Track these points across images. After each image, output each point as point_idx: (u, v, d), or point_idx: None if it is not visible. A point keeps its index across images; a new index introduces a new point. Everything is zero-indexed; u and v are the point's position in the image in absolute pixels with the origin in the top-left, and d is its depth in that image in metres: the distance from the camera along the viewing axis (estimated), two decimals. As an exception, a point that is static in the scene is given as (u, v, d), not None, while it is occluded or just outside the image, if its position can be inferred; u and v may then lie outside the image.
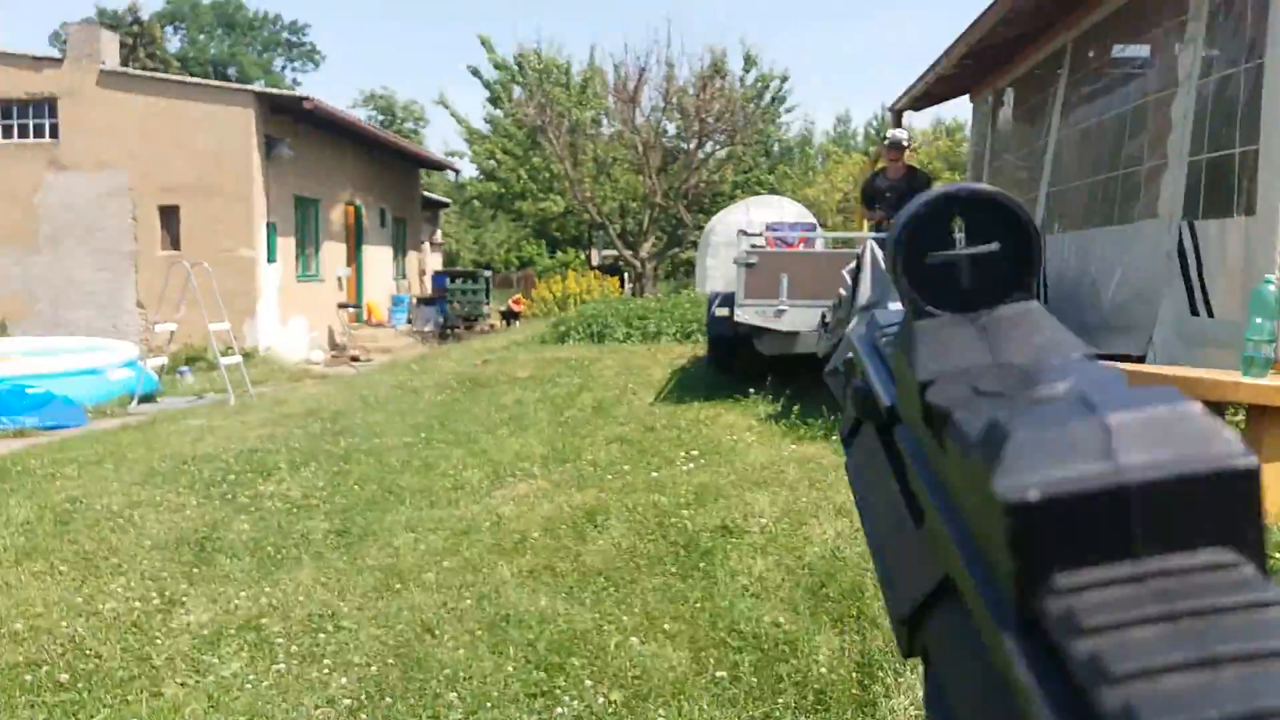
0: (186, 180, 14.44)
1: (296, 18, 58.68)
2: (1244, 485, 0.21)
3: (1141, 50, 6.53)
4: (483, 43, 20.39)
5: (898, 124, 11.26)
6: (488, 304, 21.54)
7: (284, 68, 53.19)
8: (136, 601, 3.86)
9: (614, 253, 22.59)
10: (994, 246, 0.30)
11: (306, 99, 14.59)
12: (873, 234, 7.06)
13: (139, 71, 16.38)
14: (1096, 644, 0.19)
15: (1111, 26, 6.97)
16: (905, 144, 8.22)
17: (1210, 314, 5.16)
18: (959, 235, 0.30)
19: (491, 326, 19.98)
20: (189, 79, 16.69)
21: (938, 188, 0.31)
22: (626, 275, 21.57)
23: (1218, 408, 4.13)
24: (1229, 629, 0.19)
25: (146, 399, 10.18)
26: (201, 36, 50.24)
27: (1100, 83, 7.18)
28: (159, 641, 3.47)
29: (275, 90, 16.00)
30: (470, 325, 20.11)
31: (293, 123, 15.30)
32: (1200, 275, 5.24)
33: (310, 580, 4.09)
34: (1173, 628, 0.19)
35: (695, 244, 19.07)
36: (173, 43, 47.76)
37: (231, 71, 45.79)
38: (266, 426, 7.78)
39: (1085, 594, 0.20)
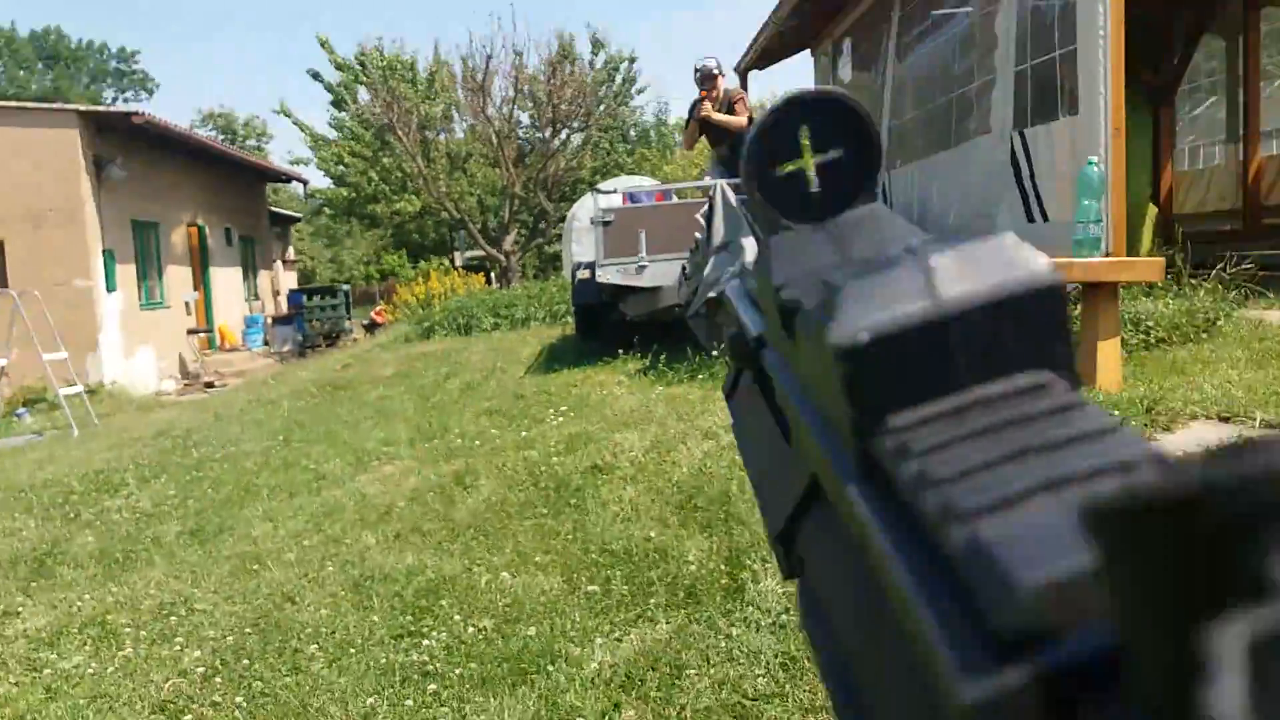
0: (10, 210, 13.49)
1: (124, 44, 55.94)
2: (1050, 301, 0.21)
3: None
4: (321, 44, 19.74)
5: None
6: (349, 319, 20.95)
7: (115, 98, 50.66)
8: (-36, 619, 3.54)
9: (478, 253, 22.27)
10: (838, 153, 0.30)
11: (135, 114, 13.81)
12: (724, 177, 7.06)
13: (-60, 100, 15.24)
14: (925, 463, 0.19)
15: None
16: (715, 71, 7.48)
17: (1045, 218, 5.36)
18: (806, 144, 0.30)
19: (355, 341, 19.43)
20: (3, 102, 15.66)
21: (783, 95, 0.30)
22: (493, 272, 21.29)
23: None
24: (1044, 426, 0.19)
25: (-20, 442, 9.48)
26: (22, 72, 47.44)
27: (929, 15, 7.38)
28: (-11, 650, 3.18)
29: (100, 108, 15.13)
30: (332, 342, 19.50)
31: (124, 142, 14.49)
32: (1034, 181, 5.43)
33: (161, 576, 3.85)
34: (996, 435, 0.19)
35: (560, 235, 18.97)
36: (-12, 80, 45.04)
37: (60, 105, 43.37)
38: (113, 450, 7.34)
39: (916, 429, 0.20)
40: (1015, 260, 0.22)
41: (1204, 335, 4.72)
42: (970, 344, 0.21)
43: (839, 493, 0.22)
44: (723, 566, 2.74)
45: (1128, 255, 5.77)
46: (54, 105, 14.92)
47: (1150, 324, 4.72)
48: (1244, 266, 5.10)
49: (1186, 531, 0.13)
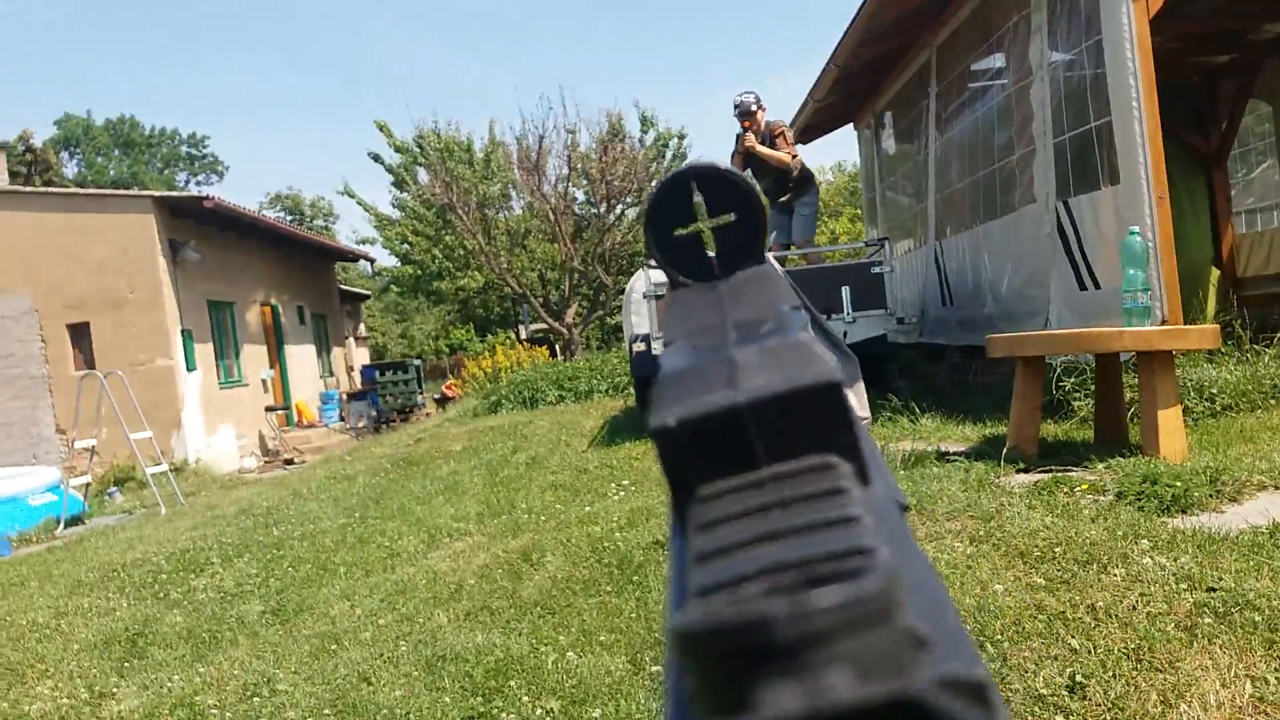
0: (93, 294, 14.19)
1: (195, 130, 58.44)
2: (832, 396, 0.25)
3: (997, 55, 6.87)
4: (380, 128, 20.50)
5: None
6: (421, 393, 21.37)
7: (187, 181, 52.94)
8: (65, 699, 3.74)
9: (542, 326, 22.64)
10: (729, 218, 0.32)
11: (206, 198, 14.47)
12: (779, 225, 7.10)
13: (28, 188, 16.10)
14: (703, 539, 0.23)
15: (967, 32, 7.33)
16: (754, 106, 7.47)
17: (1097, 285, 5.38)
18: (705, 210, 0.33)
19: (427, 414, 19.81)
20: (82, 190, 16.48)
21: (672, 170, 0.33)
22: (556, 345, 21.62)
23: (1112, 360, 4.30)
24: (799, 510, 0.23)
25: (74, 522, 9.89)
26: (99, 159, 49.83)
27: (966, 87, 7.52)
28: (88, 731, 3.36)
29: (173, 193, 15.85)
30: (406, 416, 19.91)
31: (196, 225, 15.16)
32: (1082, 250, 5.48)
33: (245, 655, 4.01)
34: (761, 517, 0.23)
35: (620, 307, 19.25)
36: (69, 168, 47.27)
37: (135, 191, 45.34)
38: (199, 529, 7.61)
39: (715, 500, 0.24)
40: (805, 360, 0.25)
41: (1272, 402, 4.68)
42: (765, 430, 0.24)
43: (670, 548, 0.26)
44: (783, 646, 2.80)
45: (1193, 319, 5.76)
46: (130, 192, 15.66)
47: (1214, 391, 4.69)
48: (1308, 330, 5.06)
49: (699, 656, 0.19)
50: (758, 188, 0.34)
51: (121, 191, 16.06)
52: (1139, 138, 4.89)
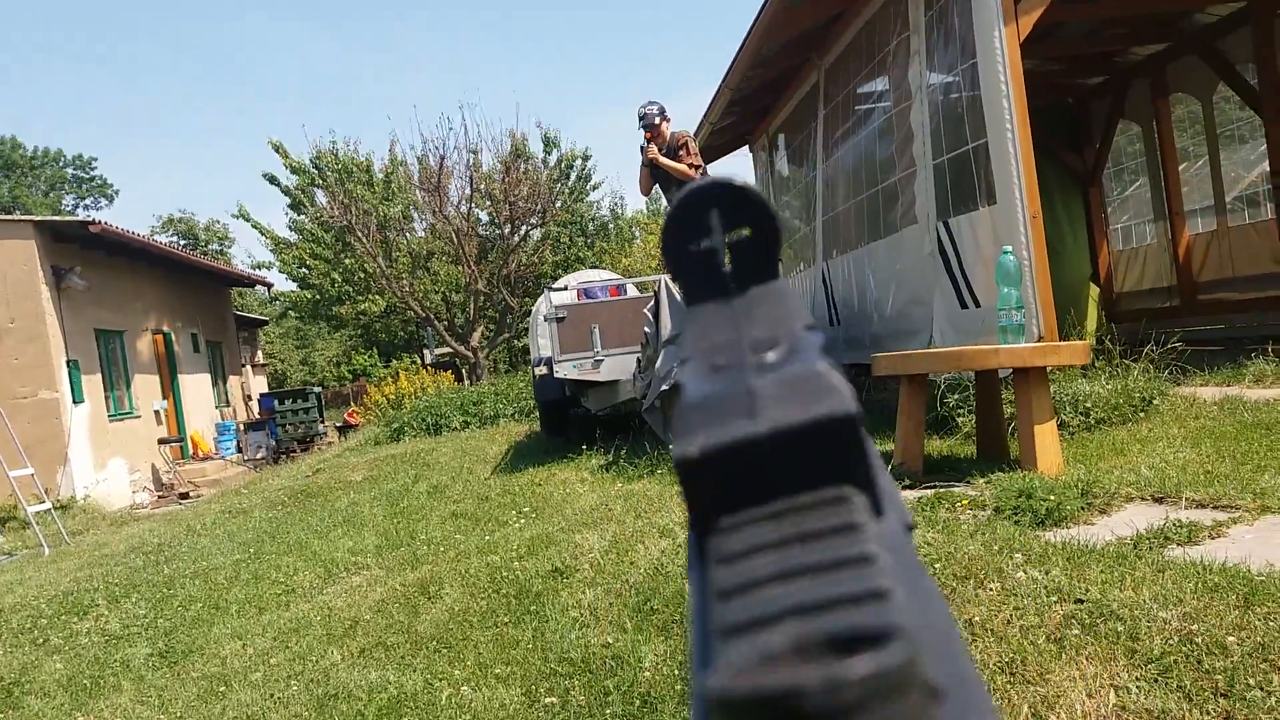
0: (-30, 325, 13.55)
1: (82, 151, 56.20)
2: (850, 428, 0.25)
3: (880, 77, 7.07)
4: (275, 149, 20.02)
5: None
6: (322, 421, 20.89)
7: (75, 206, 50.87)
8: (-71, 759, 3.55)
9: (447, 349, 22.40)
10: (745, 233, 0.33)
11: (92, 223, 13.91)
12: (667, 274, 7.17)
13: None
14: (725, 573, 0.23)
15: (852, 54, 7.54)
16: (656, 118, 7.28)
17: (977, 304, 5.58)
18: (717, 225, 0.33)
19: (330, 444, 19.36)
20: (-43, 217, 15.73)
21: (690, 185, 0.33)
22: (463, 369, 21.40)
23: (991, 377, 4.46)
24: (818, 547, 0.23)
25: (-54, 566, 9.37)
26: (-23, 182, 47.60)
27: (853, 110, 7.73)
28: (-46, 792, 3.19)
29: (56, 218, 15.22)
30: (306, 446, 19.43)
31: (82, 251, 14.57)
32: (962, 269, 5.67)
33: (129, 701, 3.87)
34: (780, 551, 0.23)
35: (526, 329, 19.17)
36: (-54, 192, 45.07)
37: (17, 214, 43.40)
38: (84, 569, 7.31)
39: (735, 531, 0.24)
40: (825, 389, 0.26)
41: (1141, 415, 4.91)
42: (783, 462, 0.25)
43: (689, 577, 0.26)
44: (677, 670, 2.83)
45: (1071, 335, 6.01)
46: (10, 217, 14.99)
47: (1089, 405, 4.90)
48: (1174, 345, 5.33)
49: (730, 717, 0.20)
50: (773, 205, 0.34)
51: (1, 216, 15.35)
52: (1013, 158, 5.09)
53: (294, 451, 18.79)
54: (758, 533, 0.24)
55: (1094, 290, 8.38)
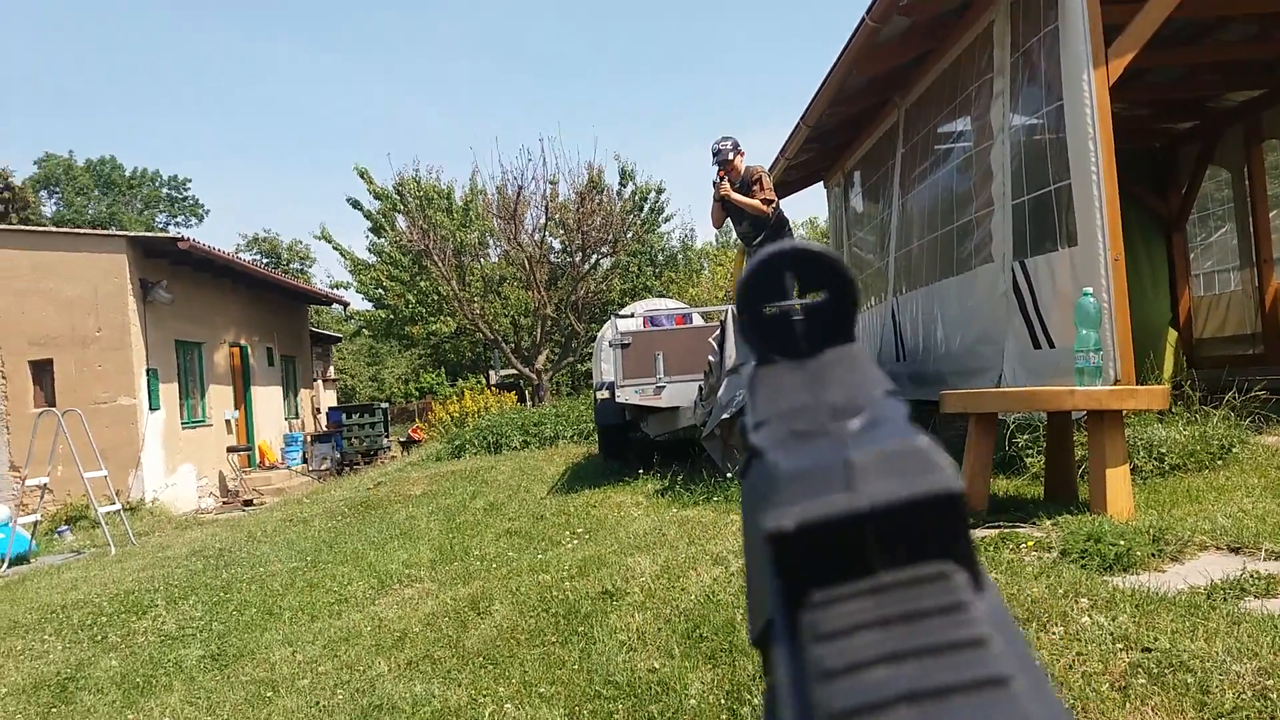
0: (60, 332, 14.02)
1: (176, 172, 58.22)
2: (953, 505, 0.25)
3: (962, 117, 6.98)
4: (360, 175, 20.54)
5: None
6: (387, 436, 21.20)
7: (167, 223, 52.67)
8: (-16, 745, 3.62)
9: (512, 371, 22.60)
10: (821, 297, 0.33)
11: (181, 239, 14.40)
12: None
13: (1, 226, 15.94)
14: (825, 649, 0.22)
15: (934, 94, 7.46)
16: (730, 154, 7.22)
17: (1051, 345, 5.43)
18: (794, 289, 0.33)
19: (393, 458, 19.61)
20: (55, 229, 16.35)
21: (767, 249, 0.33)
22: (526, 390, 21.56)
23: (1063, 418, 4.33)
24: (926, 628, 0.22)
25: (20, 560, 9.67)
26: (79, 199, 49.54)
27: (932, 149, 7.64)
28: (5, 777, 3.25)
29: (148, 233, 15.75)
30: (370, 459, 19.72)
31: (170, 266, 15.08)
32: (1037, 309, 5.53)
33: (178, 702, 3.91)
34: (884, 631, 0.22)
35: (590, 354, 19.25)
36: (49, 206, 46.97)
37: (112, 229, 45.08)
38: (147, 570, 7.47)
39: (831, 606, 0.23)
40: (926, 466, 0.25)
41: (1219, 462, 4.71)
42: (882, 537, 0.24)
43: (773, 647, 0.25)
44: (723, 700, 2.76)
45: (1148, 380, 5.81)
46: (104, 232, 15.54)
47: (1163, 450, 4.72)
48: (1257, 392, 5.12)
49: None
50: (850, 269, 0.33)
51: (96, 231, 15.93)
52: (1097, 201, 4.97)
53: (357, 464, 19.07)
54: (858, 609, 0.23)
55: (1173, 335, 8.12)
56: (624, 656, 3.35)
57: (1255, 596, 2.85)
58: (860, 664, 0.21)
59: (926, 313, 7.44)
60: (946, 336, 6.94)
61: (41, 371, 14.18)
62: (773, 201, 7.14)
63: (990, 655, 0.21)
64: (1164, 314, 8.68)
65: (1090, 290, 4.23)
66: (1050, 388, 4.33)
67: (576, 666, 3.39)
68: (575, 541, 5.31)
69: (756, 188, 7.12)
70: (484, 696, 3.29)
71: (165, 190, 54.01)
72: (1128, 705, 2.33)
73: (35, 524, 10.38)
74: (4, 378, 14.16)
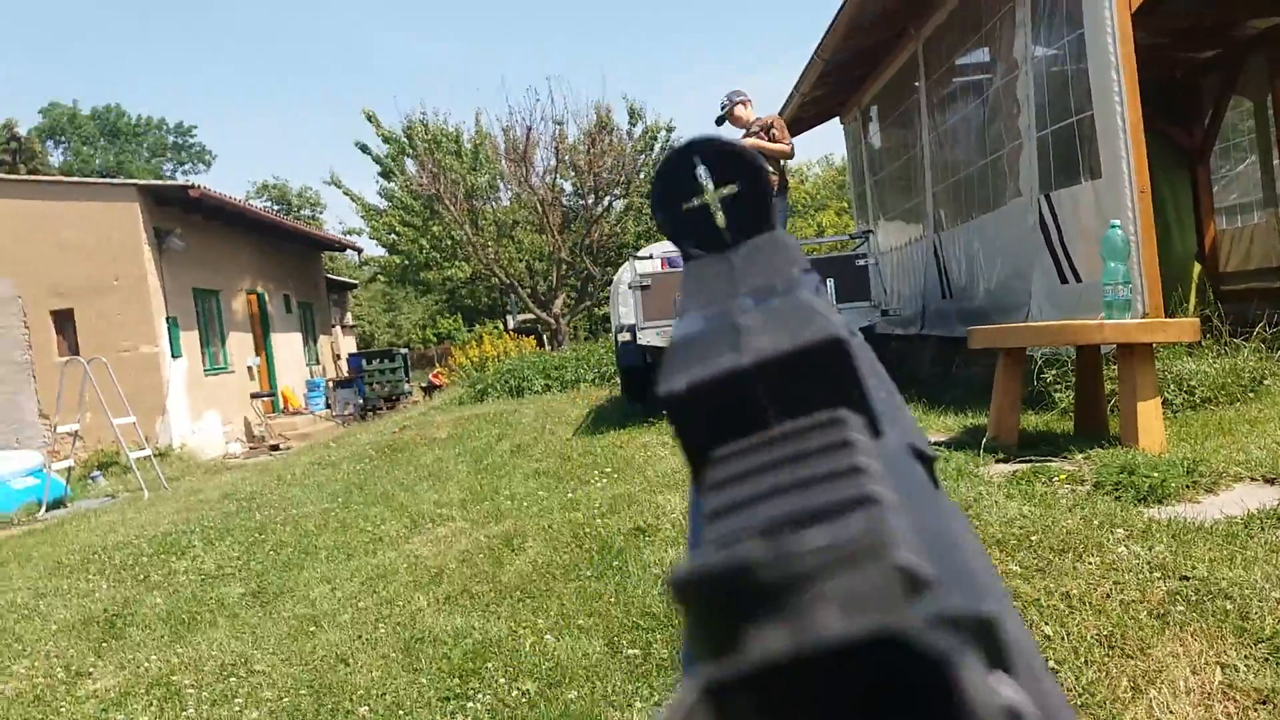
0: (77, 281, 14.10)
1: (182, 119, 57.92)
2: (838, 352, 0.25)
3: (984, 48, 6.87)
4: (369, 118, 20.36)
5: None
6: (408, 381, 21.30)
7: (174, 171, 52.52)
8: (40, 678, 3.73)
9: (530, 316, 22.61)
10: (734, 188, 0.33)
11: (192, 187, 14.38)
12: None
13: (12, 177, 15.96)
14: (714, 497, 0.23)
15: (954, 25, 7.33)
16: (732, 106, 7.17)
17: (1078, 279, 5.40)
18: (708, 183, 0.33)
19: (414, 403, 19.72)
20: (66, 179, 16.33)
21: (672, 148, 0.34)
22: (544, 335, 21.59)
23: (1093, 352, 4.32)
24: (808, 465, 0.22)
25: (56, 505, 9.84)
26: (85, 148, 49.37)
27: (955, 81, 7.53)
28: (63, 709, 3.35)
29: (159, 182, 15.73)
30: (392, 404, 19.84)
31: (182, 214, 15.08)
32: (1063, 243, 5.49)
33: (224, 636, 4.00)
34: (771, 474, 0.23)
35: (608, 298, 19.23)
36: (55, 156, 46.87)
37: (121, 178, 44.97)
38: (181, 513, 7.59)
39: (728, 461, 0.24)
40: (809, 317, 0.26)
41: (1251, 395, 4.71)
42: (773, 391, 0.25)
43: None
44: (759, 629, 2.81)
45: (1174, 313, 5.79)
46: (114, 180, 15.52)
47: (1194, 384, 4.71)
48: (1287, 324, 5.09)
49: (688, 604, 0.20)
50: (759, 156, 0.33)
51: (107, 180, 15.91)
52: (1121, 131, 4.91)
53: (380, 409, 19.20)
54: (749, 459, 0.24)
55: (1197, 269, 8.04)
56: (659, 590, 3.41)
57: (1292, 524, 2.87)
58: (740, 502, 0.22)
59: (968, 249, 7.40)
60: (986, 273, 6.91)
61: (63, 321, 14.29)
62: (791, 144, 7.06)
63: (866, 478, 0.21)
64: (1189, 248, 8.59)
65: (1118, 223, 4.20)
66: (1080, 321, 4.32)
67: (613, 599, 3.46)
68: (604, 481, 5.36)
69: (777, 133, 7.02)
70: (523, 628, 3.36)
71: (171, 138, 53.74)
72: (1166, 632, 2.37)
73: (69, 470, 10.54)
74: (27, 327, 14.28)
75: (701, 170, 0.33)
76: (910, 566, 0.19)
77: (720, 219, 0.33)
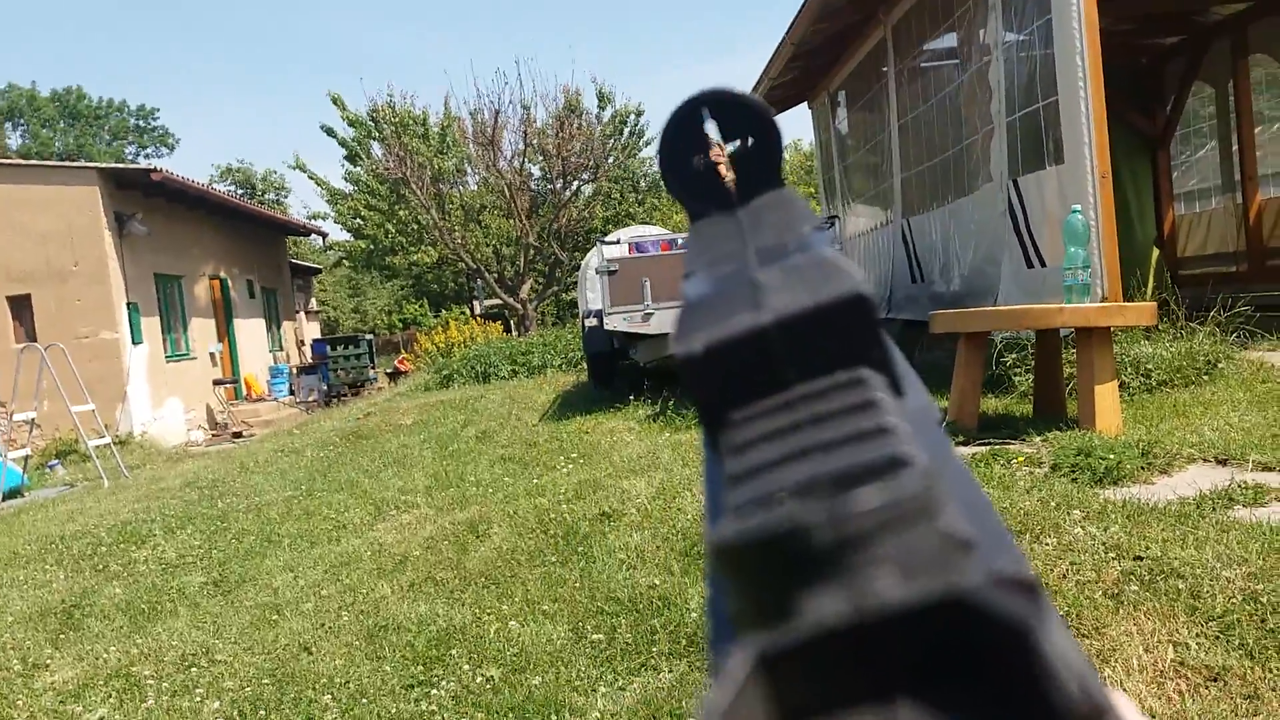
0: (36, 267, 13.85)
1: (145, 102, 56.89)
2: (861, 309, 0.24)
3: (955, 33, 6.90)
4: (334, 101, 20.12)
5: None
6: (373, 367, 21.16)
7: (137, 154, 51.58)
8: (-4, 671, 3.67)
9: (497, 301, 22.51)
10: (743, 144, 0.31)
11: (154, 170, 14.17)
12: None
13: (-37, 160, 15.60)
14: (736, 461, 0.22)
15: (923, 10, 7.35)
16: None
17: (1043, 263, 5.46)
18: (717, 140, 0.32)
19: (379, 389, 19.58)
20: (24, 161, 16.03)
21: (683, 100, 0.31)
22: (511, 320, 21.51)
23: (1052, 336, 4.37)
24: (832, 426, 0.22)
25: (12, 495, 9.68)
26: (44, 131, 48.38)
27: (924, 66, 7.56)
28: (20, 703, 3.31)
29: (120, 165, 15.48)
30: (357, 390, 19.69)
31: (144, 198, 14.85)
32: (1029, 228, 5.55)
33: (185, 626, 3.96)
34: (794, 435, 0.22)
35: (575, 283, 19.18)
36: (13, 139, 45.93)
37: (81, 163, 44.13)
38: (142, 501, 7.50)
39: (748, 424, 0.23)
40: (832, 273, 0.25)
41: (1205, 378, 4.79)
42: (793, 350, 0.24)
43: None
44: (722, 613, 2.83)
45: (1133, 297, 5.87)
46: (74, 164, 15.26)
47: (1150, 367, 4.79)
48: (1241, 309, 5.18)
49: (738, 570, 0.19)
50: (771, 109, 0.32)
51: (67, 163, 15.62)
52: (1084, 117, 4.96)
53: (345, 395, 19.06)
54: (770, 421, 0.23)
55: (1156, 254, 8.16)
56: (624, 574, 3.42)
57: (1243, 505, 2.93)
58: (766, 464, 0.21)
59: (942, 234, 7.46)
60: (959, 258, 6.97)
61: (20, 307, 14.04)
62: None
63: (896, 439, 0.21)
64: (1149, 233, 8.71)
65: (1079, 208, 4.25)
66: (1040, 306, 4.37)
67: (578, 585, 3.46)
68: (570, 466, 5.36)
69: None
70: (488, 615, 3.36)
71: (133, 121, 52.75)
72: (1121, 611, 2.41)
73: (26, 459, 10.38)
74: (-18, 314, 14.02)
75: (710, 125, 0.31)
76: (960, 530, 0.19)
77: (728, 175, 0.32)
